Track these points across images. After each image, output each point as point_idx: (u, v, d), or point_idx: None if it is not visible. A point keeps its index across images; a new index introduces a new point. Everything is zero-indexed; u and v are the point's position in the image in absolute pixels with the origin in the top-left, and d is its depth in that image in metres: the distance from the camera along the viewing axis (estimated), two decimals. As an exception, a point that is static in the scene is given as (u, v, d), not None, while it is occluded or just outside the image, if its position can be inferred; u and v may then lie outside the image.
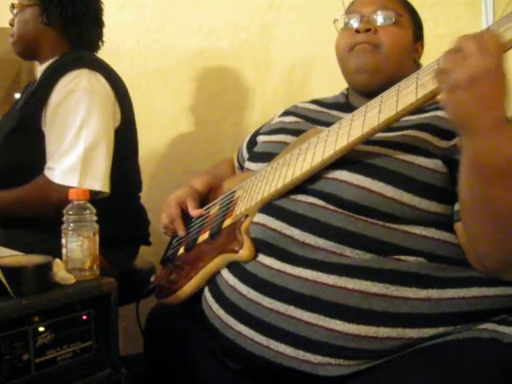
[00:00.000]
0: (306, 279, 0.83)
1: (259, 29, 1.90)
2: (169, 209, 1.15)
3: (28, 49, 1.46)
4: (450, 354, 0.78)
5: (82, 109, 1.30)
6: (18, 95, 1.98)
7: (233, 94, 1.95)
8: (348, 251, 0.84)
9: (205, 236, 1.05)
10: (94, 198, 1.21)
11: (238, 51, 1.92)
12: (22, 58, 1.51)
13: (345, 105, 1.11)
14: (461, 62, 0.70)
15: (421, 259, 0.84)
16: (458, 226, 0.85)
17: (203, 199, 1.19)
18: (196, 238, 1.07)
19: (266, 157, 1.07)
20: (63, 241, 0.85)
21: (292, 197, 0.92)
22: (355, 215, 0.85)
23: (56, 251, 0.85)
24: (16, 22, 1.44)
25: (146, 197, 1.59)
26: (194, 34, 1.93)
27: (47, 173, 1.30)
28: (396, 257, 0.83)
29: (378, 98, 0.90)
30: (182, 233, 1.12)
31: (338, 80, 1.78)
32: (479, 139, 0.72)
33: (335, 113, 1.09)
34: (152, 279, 1.12)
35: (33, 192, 1.30)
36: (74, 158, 1.28)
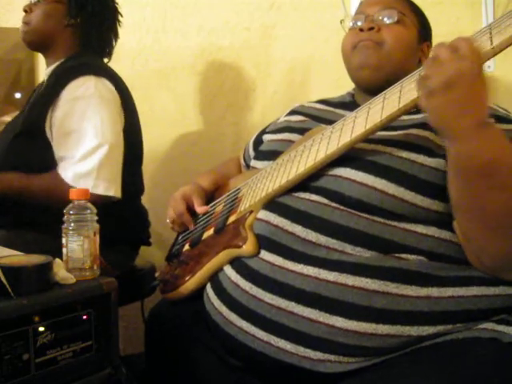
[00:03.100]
0: (308, 276, 0.84)
1: (260, 29, 1.90)
2: (175, 203, 1.17)
3: (41, 42, 1.45)
4: (450, 354, 0.78)
5: (93, 115, 1.31)
6: (18, 95, 1.98)
7: (233, 94, 1.94)
8: (349, 248, 0.85)
9: (210, 232, 1.06)
10: (106, 202, 1.22)
11: (238, 51, 1.92)
12: (30, 47, 1.50)
13: (350, 103, 1.12)
14: (436, 68, 0.72)
15: (421, 257, 0.84)
16: (456, 223, 0.85)
17: (209, 197, 1.21)
18: (201, 235, 1.09)
19: (272, 155, 1.08)
20: (64, 240, 0.85)
21: (295, 194, 0.93)
22: (357, 212, 0.86)
23: (56, 251, 0.85)
24: (37, 12, 1.42)
25: (145, 196, 1.59)
26: (195, 33, 1.93)
27: (61, 172, 1.30)
28: (397, 255, 0.84)
29: (381, 96, 0.91)
30: (191, 226, 1.14)
31: (338, 80, 1.79)
32: (458, 143, 0.75)
33: (341, 111, 1.10)
34: (156, 275, 1.13)
35: (44, 184, 1.30)
36: (90, 164, 1.29)
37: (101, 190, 1.26)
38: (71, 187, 1.25)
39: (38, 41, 1.45)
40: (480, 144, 0.74)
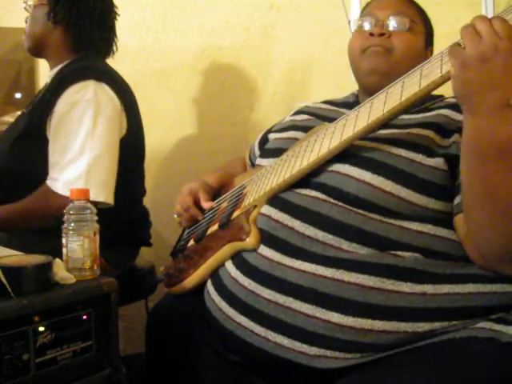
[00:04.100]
0: (305, 271, 0.85)
1: (260, 29, 1.90)
2: (182, 198, 1.19)
3: (36, 46, 1.46)
4: (447, 353, 0.78)
5: (86, 120, 1.30)
6: (18, 95, 1.98)
7: (233, 94, 1.95)
8: (345, 245, 0.85)
9: (214, 228, 1.07)
10: (98, 208, 1.22)
11: (238, 51, 1.92)
12: (31, 54, 1.52)
13: (354, 104, 1.12)
14: (475, 39, 0.73)
15: (417, 255, 0.84)
16: (457, 218, 0.86)
17: (215, 195, 1.22)
18: (206, 230, 1.10)
19: (277, 153, 1.09)
20: (64, 240, 0.85)
21: (296, 190, 0.94)
22: (354, 209, 0.87)
23: (56, 251, 0.85)
24: (29, 19, 1.46)
25: (145, 196, 1.59)
26: (195, 34, 1.93)
27: (50, 183, 1.29)
28: (393, 252, 0.84)
29: (383, 92, 0.93)
30: (200, 218, 1.15)
31: (338, 80, 1.79)
32: (480, 117, 0.75)
33: (344, 110, 1.10)
34: (161, 269, 1.14)
35: (35, 202, 1.29)
36: (78, 169, 1.27)
37: (90, 195, 1.25)
38: (61, 196, 1.25)
39: (33, 46, 1.46)
40: (501, 122, 0.74)
